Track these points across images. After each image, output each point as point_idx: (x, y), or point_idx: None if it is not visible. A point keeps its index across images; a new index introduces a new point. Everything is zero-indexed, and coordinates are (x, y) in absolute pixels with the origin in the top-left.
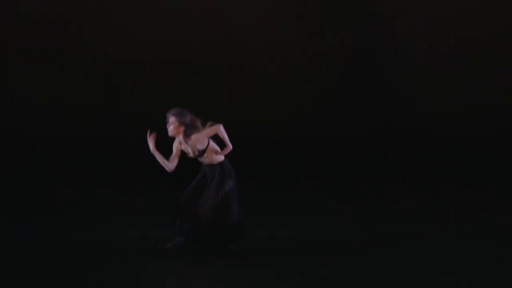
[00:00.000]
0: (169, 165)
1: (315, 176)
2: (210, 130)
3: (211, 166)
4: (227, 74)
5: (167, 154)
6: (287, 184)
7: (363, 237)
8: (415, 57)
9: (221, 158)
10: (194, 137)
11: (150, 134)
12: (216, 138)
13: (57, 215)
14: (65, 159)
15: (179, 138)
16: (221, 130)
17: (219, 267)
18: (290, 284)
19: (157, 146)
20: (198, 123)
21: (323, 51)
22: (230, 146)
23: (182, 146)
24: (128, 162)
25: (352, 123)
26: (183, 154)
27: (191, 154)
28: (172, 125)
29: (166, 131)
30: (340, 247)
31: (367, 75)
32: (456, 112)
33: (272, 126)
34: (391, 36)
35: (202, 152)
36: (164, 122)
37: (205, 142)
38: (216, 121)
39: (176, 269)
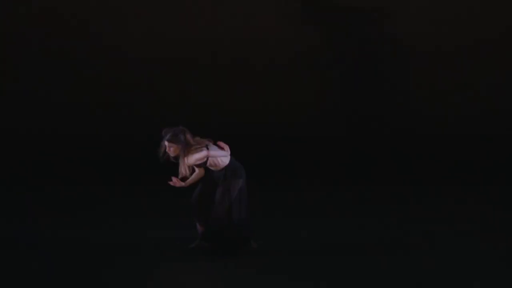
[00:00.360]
0: (197, 176)
1: (315, 176)
2: (199, 156)
3: (219, 171)
4: (227, 74)
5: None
6: (287, 184)
7: (364, 237)
8: (415, 57)
9: (225, 161)
10: (190, 156)
11: (173, 182)
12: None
13: (58, 215)
14: (67, 159)
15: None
16: (211, 155)
17: (219, 267)
18: (290, 284)
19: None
20: (190, 138)
21: (323, 51)
22: (227, 152)
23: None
24: (129, 162)
25: (352, 123)
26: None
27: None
28: (171, 148)
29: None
30: (341, 247)
31: (367, 75)
32: (456, 112)
33: (273, 126)
34: (391, 36)
35: (205, 163)
36: (165, 123)
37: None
38: (216, 120)
39: (177, 269)
